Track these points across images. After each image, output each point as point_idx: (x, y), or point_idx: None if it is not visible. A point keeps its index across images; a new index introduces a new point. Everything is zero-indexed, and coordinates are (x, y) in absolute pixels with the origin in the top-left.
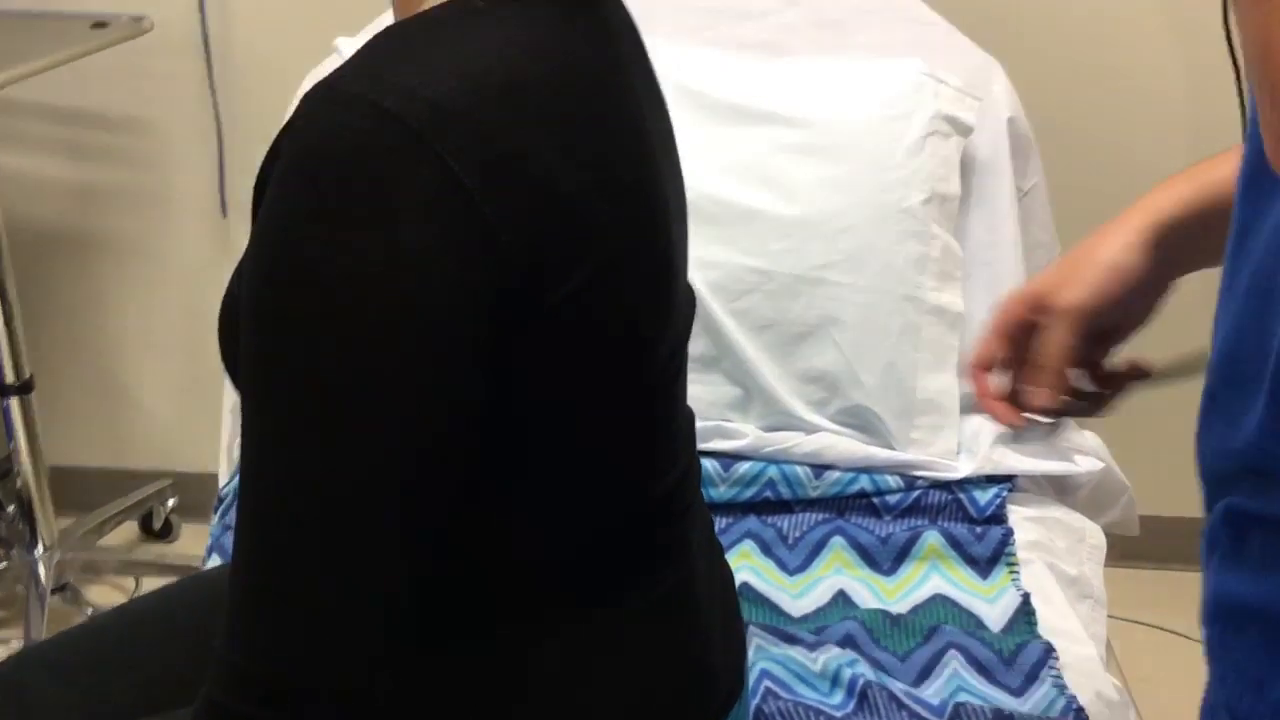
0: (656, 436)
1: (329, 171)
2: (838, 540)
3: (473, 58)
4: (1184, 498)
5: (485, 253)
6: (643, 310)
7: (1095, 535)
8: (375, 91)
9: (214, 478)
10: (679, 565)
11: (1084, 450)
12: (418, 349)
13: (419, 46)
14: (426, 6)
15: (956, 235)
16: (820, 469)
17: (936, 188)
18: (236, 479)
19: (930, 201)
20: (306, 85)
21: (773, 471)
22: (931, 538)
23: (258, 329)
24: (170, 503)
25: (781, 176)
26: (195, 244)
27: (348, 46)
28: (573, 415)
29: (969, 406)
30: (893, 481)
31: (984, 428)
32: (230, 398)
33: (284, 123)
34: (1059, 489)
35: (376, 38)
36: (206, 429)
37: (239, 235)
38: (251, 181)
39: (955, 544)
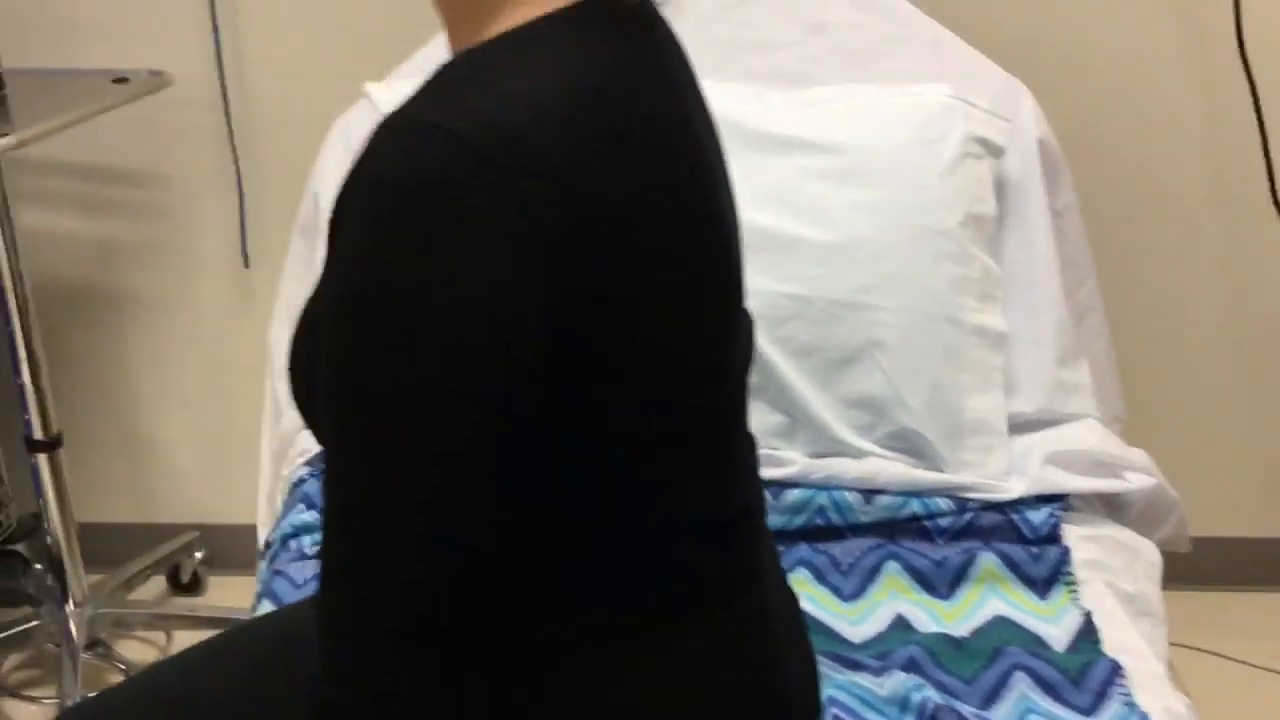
0: (722, 463)
1: (403, 198)
2: (892, 565)
3: (538, 84)
4: (1235, 518)
5: (556, 276)
6: (708, 333)
7: (1150, 552)
8: (445, 119)
9: (242, 529)
10: (752, 592)
11: (1134, 467)
12: (493, 370)
13: (486, 75)
14: (487, 35)
15: (993, 256)
16: (870, 494)
17: (972, 209)
18: (282, 525)
19: (967, 223)
20: (335, 133)
21: (822, 498)
22: (987, 560)
23: (338, 351)
24: (198, 555)
25: (816, 203)
26: (218, 297)
27: (377, 92)
28: (640, 442)
29: (1017, 426)
30: (944, 504)
31: (1034, 447)
32: (269, 446)
33: (358, 155)
34: (1110, 507)
35: (443, 69)
36: (232, 480)
37: (262, 287)
38: (273, 232)
39: (1012, 565)
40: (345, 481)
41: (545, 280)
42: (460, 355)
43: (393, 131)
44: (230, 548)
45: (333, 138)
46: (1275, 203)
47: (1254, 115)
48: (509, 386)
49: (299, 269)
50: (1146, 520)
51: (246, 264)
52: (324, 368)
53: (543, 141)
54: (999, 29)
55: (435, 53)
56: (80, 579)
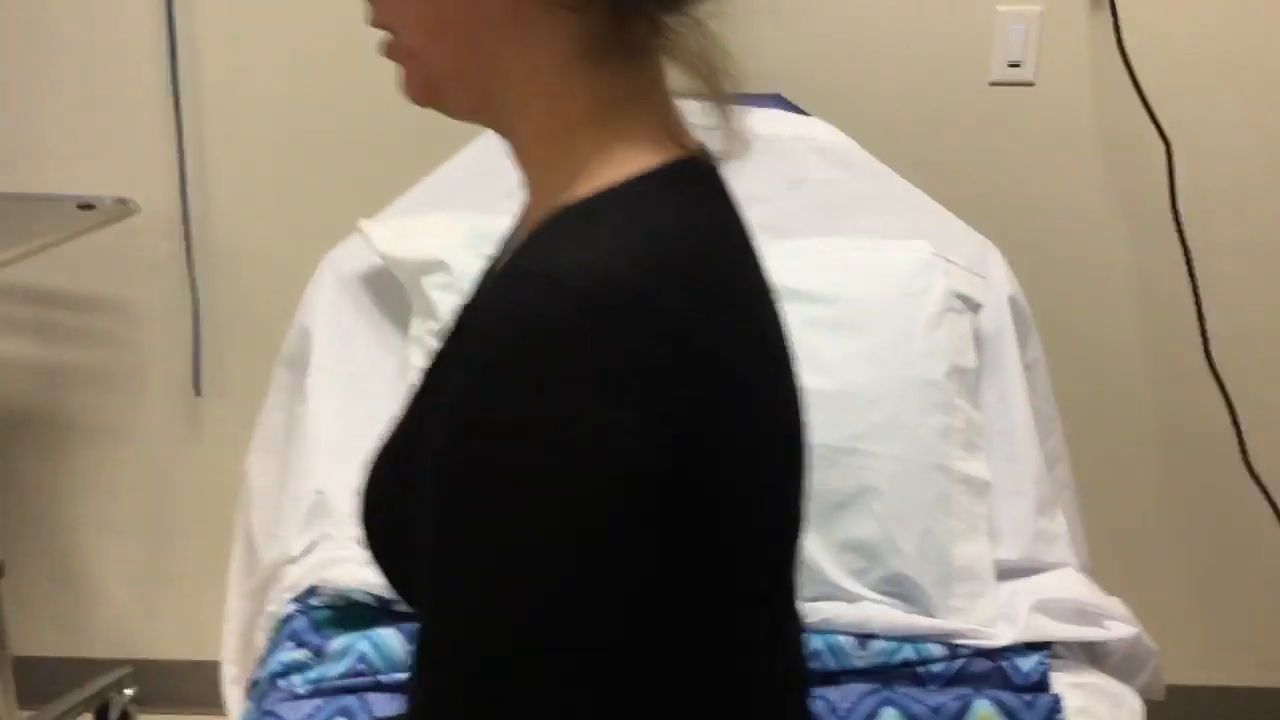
0: (778, 610)
1: (517, 346)
2: (889, 711)
3: (642, 239)
4: (1208, 665)
5: (661, 423)
6: (786, 486)
7: (1133, 700)
8: (556, 270)
9: (175, 665)
10: None
11: (1114, 616)
12: (608, 512)
13: (594, 229)
14: (579, 189)
15: (974, 407)
16: (864, 638)
17: (955, 361)
18: (270, 663)
19: (951, 374)
20: (324, 268)
21: (818, 642)
22: (983, 707)
23: (449, 493)
24: (128, 693)
25: (813, 351)
26: (165, 425)
27: (370, 228)
28: (721, 593)
29: (1001, 573)
30: (936, 650)
31: (1019, 594)
32: (241, 580)
33: (469, 301)
34: (1091, 654)
35: (552, 221)
36: (167, 615)
37: (213, 415)
38: (228, 362)
39: (1008, 712)
40: (456, 621)
41: (654, 426)
42: (578, 500)
43: (511, 281)
44: (163, 683)
45: (322, 273)
46: (1209, 363)
47: (1188, 280)
48: (621, 528)
49: (283, 399)
50: (1125, 669)
51: (198, 391)
52: (433, 507)
53: (649, 293)
54: (970, 192)
55: (427, 193)
56: (14, 716)
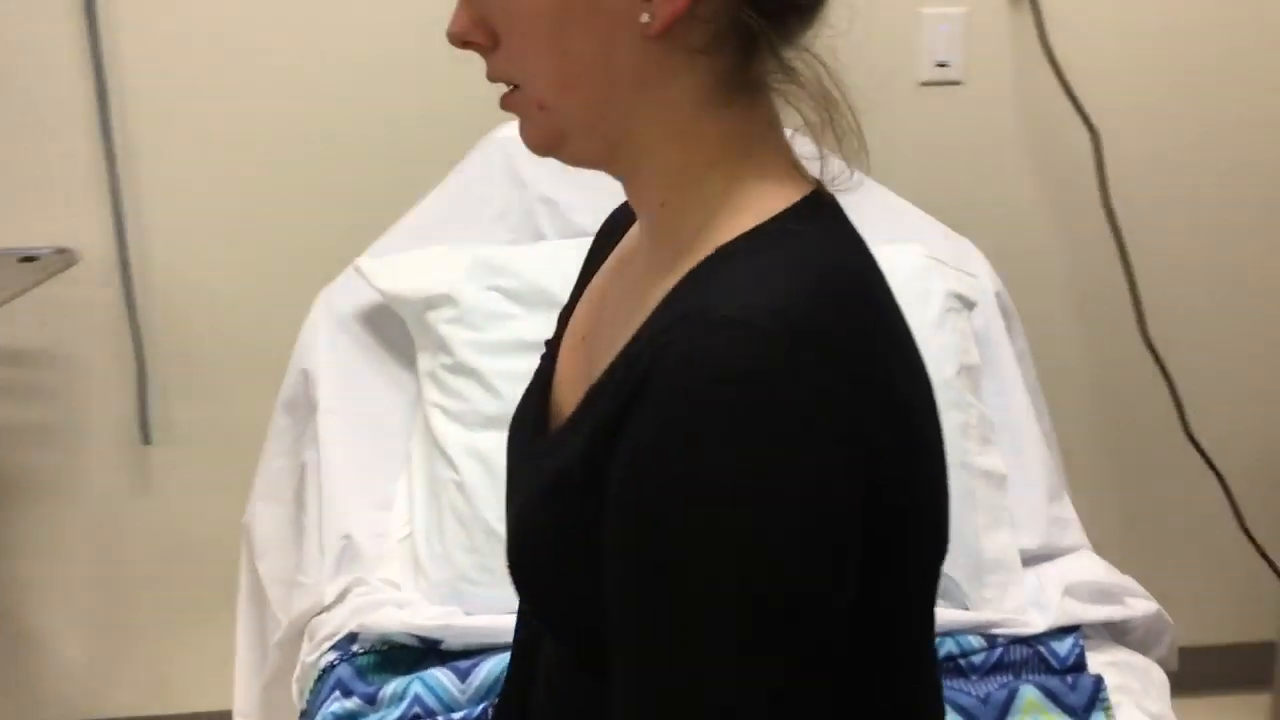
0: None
1: (716, 398)
2: None
3: (812, 275)
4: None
5: (855, 463)
6: (941, 528)
7: (1158, 672)
8: (741, 314)
9: None
10: None
11: (1134, 593)
12: (816, 558)
13: (757, 269)
14: (721, 230)
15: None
16: None
17: (962, 359)
18: (318, 716)
19: (960, 373)
20: (319, 306)
21: None
22: (1029, 692)
23: (650, 554)
24: None
25: None
26: (113, 476)
27: (368, 267)
28: (900, 615)
29: (1024, 561)
30: (975, 642)
31: (1047, 581)
32: (253, 630)
33: (639, 349)
34: (1113, 631)
35: (710, 265)
36: (121, 674)
37: (164, 463)
38: (178, 404)
39: (1052, 696)
40: (670, 672)
41: (859, 463)
42: (811, 555)
43: (692, 327)
44: None
45: (317, 311)
46: (1145, 341)
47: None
48: (845, 568)
49: (285, 445)
50: (1146, 643)
51: (147, 439)
52: (624, 564)
53: (834, 332)
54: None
55: (414, 228)
56: None
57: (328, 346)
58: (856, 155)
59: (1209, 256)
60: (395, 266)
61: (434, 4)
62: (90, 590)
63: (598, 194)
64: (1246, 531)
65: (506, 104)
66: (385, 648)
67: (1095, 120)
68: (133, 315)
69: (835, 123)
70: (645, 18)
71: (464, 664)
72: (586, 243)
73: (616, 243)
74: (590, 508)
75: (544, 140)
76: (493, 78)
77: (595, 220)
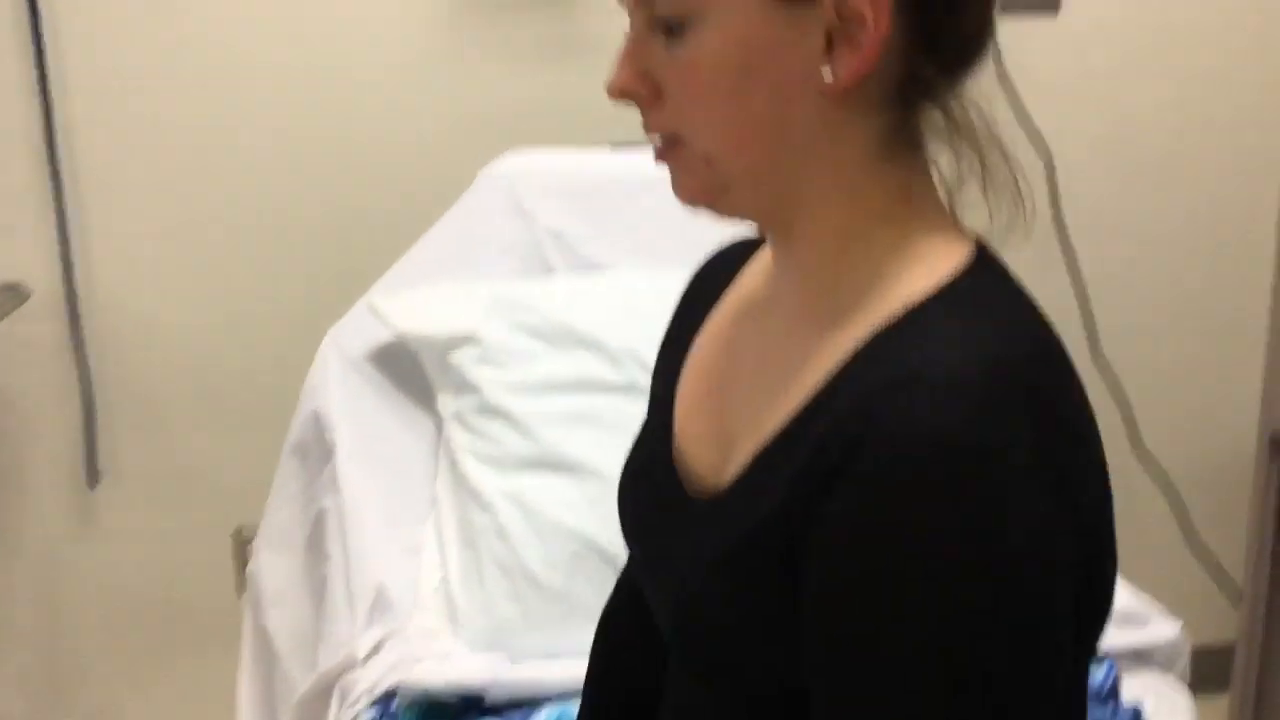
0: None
1: (940, 469)
2: None
3: (1013, 333)
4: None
5: (1076, 521)
6: (1112, 583)
7: (1185, 695)
8: (954, 379)
9: None
10: None
11: (1154, 616)
12: (1063, 625)
13: (970, 332)
14: (897, 288)
15: None
16: None
17: None
18: None
19: None
20: (328, 346)
21: None
22: None
23: (887, 629)
24: None
25: None
26: (55, 520)
27: (384, 306)
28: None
29: None
30: None
31: None
32: (257, 686)
33: (839, 414)
34: (1136, 654)
35: (904, 325)
36: None
37: (110, 506)
38: (126, 445)
39: None
40: None
41: (1072, 516)
42: (1051, 615)
43: (902, 392)
44: None
45: (325, 350)
46: (1095, 357)
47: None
48: (1070, 621)
49: (294, 491)
50: (1166, 663)
51: (95, 481)
52: (882, 645)
53: (1042, 388)
54: None
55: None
56: None
57: (340, 389)
58: (1014, 206)
59: (1158, 276)
60: (412, 305)
61: (387, 35)
62: (32, 640)
63: (605, 224)
64: (1198, 539)
65: (664, 157)
66: (425, 703)
67: (1050, 142)
68: (80, 351)
69: (990, 172)
70: (827, 75)
71: (515, 716)
72: (603, 277)
73: (722, 287)
74: (781, 576)
75: (705, 193)
76: (652, 130)
77: (604, 250)
